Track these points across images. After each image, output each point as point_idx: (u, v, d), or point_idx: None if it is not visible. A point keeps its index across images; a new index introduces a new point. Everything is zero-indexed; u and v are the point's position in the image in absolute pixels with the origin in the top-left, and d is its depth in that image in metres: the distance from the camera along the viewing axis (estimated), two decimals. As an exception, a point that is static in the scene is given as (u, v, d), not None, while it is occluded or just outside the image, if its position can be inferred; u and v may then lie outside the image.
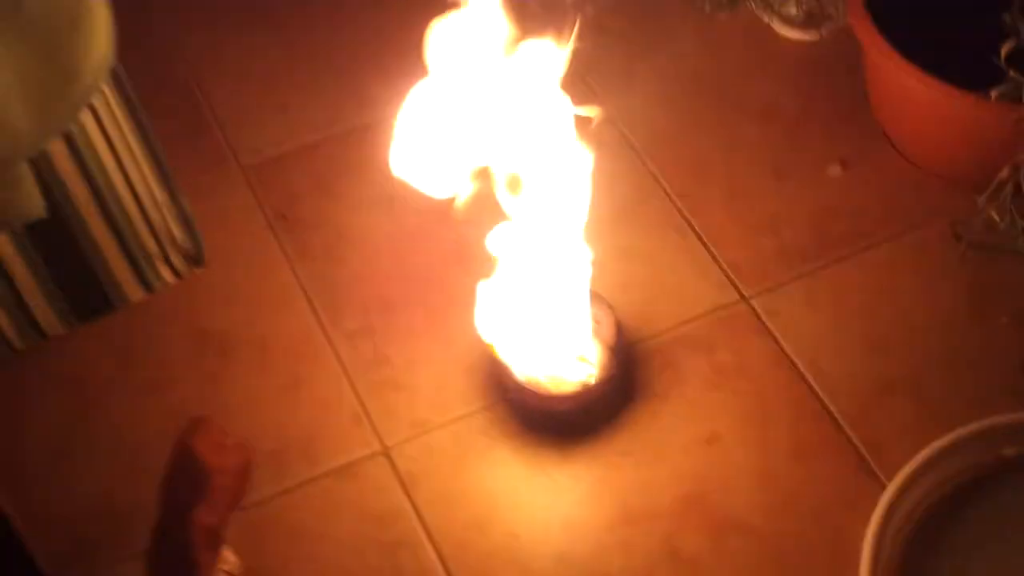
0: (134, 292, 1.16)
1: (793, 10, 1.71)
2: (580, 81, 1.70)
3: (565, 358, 1.39)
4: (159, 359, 1.50)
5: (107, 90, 1.02)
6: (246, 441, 1.08)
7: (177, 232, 1.17)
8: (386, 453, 1.41)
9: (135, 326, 1.49)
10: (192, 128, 1.70)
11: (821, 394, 1.42)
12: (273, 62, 1.79)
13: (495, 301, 1.39)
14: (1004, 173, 1.43)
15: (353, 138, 1.69)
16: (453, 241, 1.57)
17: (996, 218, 1.47)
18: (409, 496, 1.38)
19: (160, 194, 1.14)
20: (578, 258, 1.35)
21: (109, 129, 1.04)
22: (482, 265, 1.53)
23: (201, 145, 1.68)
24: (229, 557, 1.15)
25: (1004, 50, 1.38)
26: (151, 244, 1.14)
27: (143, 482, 1.37)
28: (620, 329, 1.42)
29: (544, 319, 1.37)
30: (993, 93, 1.40)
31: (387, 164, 1.64)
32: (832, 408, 1.41)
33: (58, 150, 1.00)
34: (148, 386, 1.48)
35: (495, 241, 1.34)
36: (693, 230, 1.57)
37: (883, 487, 1.31)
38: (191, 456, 1.05)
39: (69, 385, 1.48)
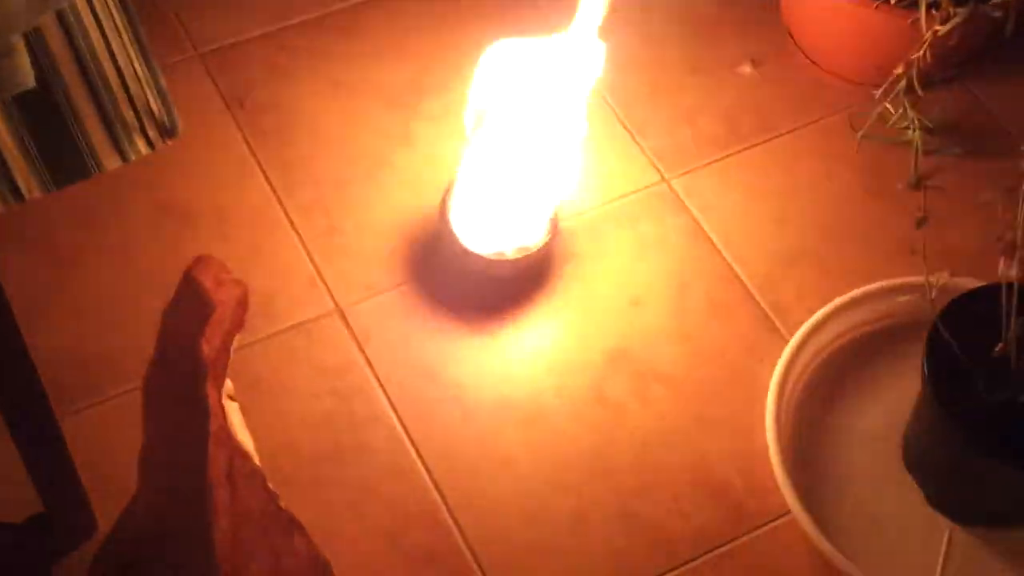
0: (110, 160, 1.23)
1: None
2: None
3: (507, 227, 1.54)
4: (125, 227, 1.60)
5: (97, -27, 1.08)
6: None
7: (155, 105, 1.24)
8: (340, 312, 1.54)
9: (101, 196, 1.59)
10: (152, 17, 1.78)
11: (732, 263, 1.58)
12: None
13: (455, 175, 1.53)
14: (899, 69, 1.60)
15: (304, 29, 1.80)
16: (401, 126, 1.70)
17: (891, 110, 1.64)
18: (362, 350, 1.51)
19: (141, 70, 1.21)
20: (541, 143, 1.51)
21: (97, 8, 1.10)
22: (429, 149, 1.68)
23: (160, 32, 1.77)
24: (228, 384, 1.26)
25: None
26: (130, 115, 1.21)
27: (115, 336, 1.51)
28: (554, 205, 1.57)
29: (502, 193, 1.51)
30: (892, -1, 1.57)
31: (335, 53, 1.77)
32: (742, 275, 1.57)
33: (49, 25, 1.06)
34: (115, 251, 1.58)
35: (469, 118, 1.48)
36: (620, 121, 1.72)
37: (787, 342, 1.48)
38: (197, 288, 1.16)
39: (41, 248, 1.57)
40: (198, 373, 1.18)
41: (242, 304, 1.22)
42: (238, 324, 1.22)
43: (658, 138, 1.70)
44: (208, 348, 1.18)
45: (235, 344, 1.19)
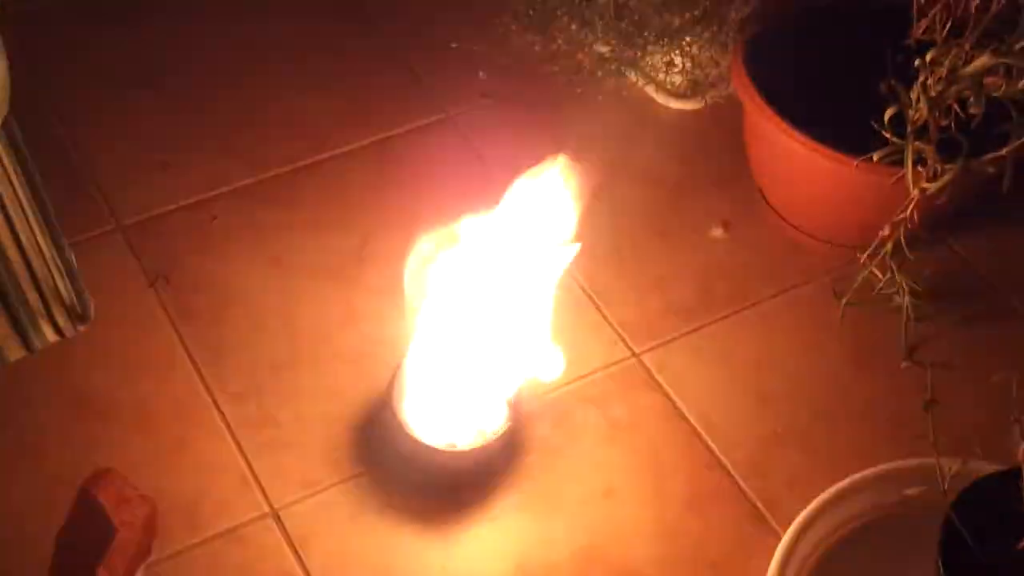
0: (13, 351, 1.10)
1: (678, 79, 1.74)
2: (467, 147, 1.72)
3: (462, 414, 1.38)
4: (33, 423, 1.42)
5: (-3, 141, 0.98)
6: (151, 494, 1.03)
7: (62, 287, 1.12)
8: (275, 515, 1.36)
9: (8, 388, 1.42)
10: (68, 187, 1.64)
11: (713, 447, 1.43)
12: (153, 120, 1.75)
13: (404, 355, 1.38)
14: (885, 231, 1.46)
15: (236, 198, 1.66)
16: (342, 301, 1.55)
17: (878, 275, 1.51)
18: (300, 559, 1.33)
19: (46, 248, 1.09)
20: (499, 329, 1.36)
21: None
22: (374, 327, 1.52)
23: (77, 205, 1.63)
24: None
25: (887, 115, 1.42)
26: (34, 299, 1.09)
27: (16, 554, 1.31)
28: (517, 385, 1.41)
29: (449, 379, 1.36)
30: (875, 156, 1.44)
31: (271, 224, 1.63)
32: (724, 460, 1.42)
33: None
34: (21, 452, 1.40)
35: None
36: (583, 290, 1.58)
37: (778, 536, 1.32)
38: (94, 509, 0.99)
39: (-66, 451, 1.40)
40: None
41: (149, 527, 1.06)
42: (145, 551, 1.06)
43: (625, 308, 1.56)
44: (110, 576, 1.01)
45: (139, 573, 1.02)
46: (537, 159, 1.39)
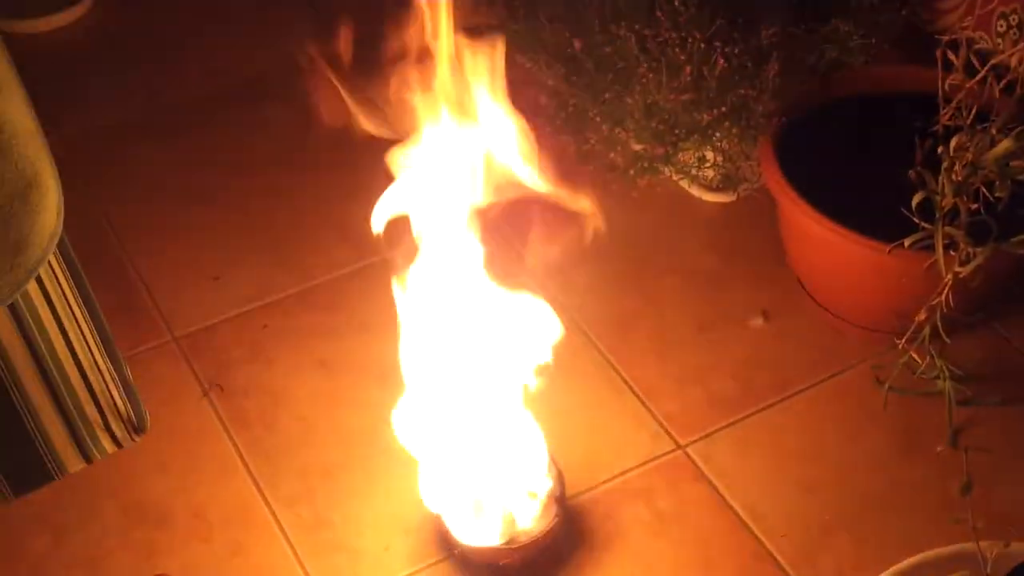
0: (73, 462, 1.12)
1: (710, 173, 1.78)
2: (507, 244, 1.75)
3: (508, 511, 1.40)
4: (94, 532, 1.47)
5: (52, 258, 1.00)
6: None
7: (119, 399, 1.14)
8: (331, 617, 1.39)
9: (69, 498, 1.47)
10: (124, 300, 1.71)
11: (761, 537, 1.43)
12: (205, 233, 1.82)
13: (438, 458, 1.40)
14: (922, 316, 1.48)
15: (285, 306, 1.71)
16: (391, 402, 1.58)
17: (917, 360, 1.52)
18: (356, 661, 1.36)
19: (102, 361, 1.11)
20: (520, 416, 1.38)
21: (53, 297, 1.02)
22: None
23: (133, 317, 1.69)
24: None
25: (915, 201, 1.44)
26: (92, 412, 1.11)
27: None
28: (562, 480, 1.43)
29: (488, 473, 1.38)
30: (907, 242, 1.46)
31: (318, 330, 1.67)
32: (773, 550, 1.42)
33: (0, 317, 0.97)
34: (83, 561, 1.44)
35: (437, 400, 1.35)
36: (626, 384, 1.60)
37: (830, 626, 1.33)
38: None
39: (-1, 560, 1.44)
40: None
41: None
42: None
43: (668, 401, 1.58)
44: None
45: None
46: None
